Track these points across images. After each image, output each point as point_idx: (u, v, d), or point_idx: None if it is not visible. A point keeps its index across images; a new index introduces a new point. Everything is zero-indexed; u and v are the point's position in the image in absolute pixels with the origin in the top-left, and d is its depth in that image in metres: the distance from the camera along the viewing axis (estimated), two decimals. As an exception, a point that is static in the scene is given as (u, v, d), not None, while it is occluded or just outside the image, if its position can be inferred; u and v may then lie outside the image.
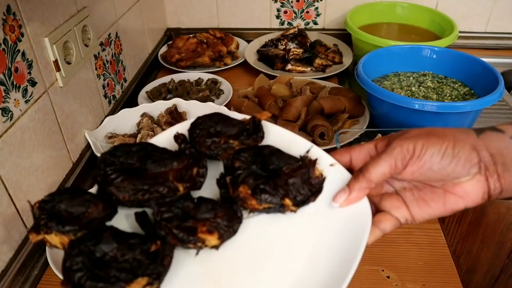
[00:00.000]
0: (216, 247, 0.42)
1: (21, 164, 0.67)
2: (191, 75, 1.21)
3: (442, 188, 0.43)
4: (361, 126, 0.97)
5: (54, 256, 0.69)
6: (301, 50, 1.25)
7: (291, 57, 1.24)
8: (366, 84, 0.91)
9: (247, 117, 0.51)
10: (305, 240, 0.44)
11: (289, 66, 1.22)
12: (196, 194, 0.45)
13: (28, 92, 0.69)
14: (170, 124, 0.96)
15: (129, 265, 0.38)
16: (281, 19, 1.41)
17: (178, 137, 0.49)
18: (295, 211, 0.44)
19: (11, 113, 0.65)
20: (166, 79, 1.18)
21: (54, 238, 0.39)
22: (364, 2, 1.34)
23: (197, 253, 0.42)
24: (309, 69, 1.23)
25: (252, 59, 1.27)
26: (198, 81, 1.17)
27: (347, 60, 1.26)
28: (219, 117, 0.50)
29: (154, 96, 1.10)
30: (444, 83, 1.03)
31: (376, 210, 0.47)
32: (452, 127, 0.43)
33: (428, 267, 0.69)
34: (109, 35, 1.00)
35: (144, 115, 0.99)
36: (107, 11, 0.99)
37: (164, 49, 1.35)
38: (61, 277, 0.64)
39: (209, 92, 1.12)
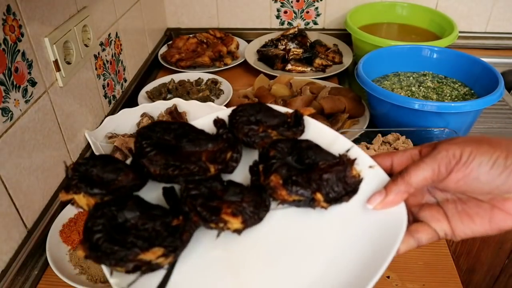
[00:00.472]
0: (238, 231, 0.41)
1: (21, 164, 0.67)
2: (191, 75, 1.21)
3: (490, 203, 0.40)
4: (361, 126, 0.97)
5: (54, 256, 0.69)
6: (301, 50, 1.25)
7: (291, 57, 1.24)
8: (366, 84, 0.91)
9: (290, 110, 0.50)
10: (332, 239, 0.43)
11: (289, 66, 1.22)
12: (226, 178, 0.45)
13: (28, 92, 0.69)
14: (170, 124, 0.96)
15: (148, 234, 0.39)
16: (281, 19, 1.41)
17: (217, 122, 0.49)
18: (325, 208, 0.43)
19: (11, 113, 0.65)
20: (166, 79, 1.18)
21: (81, 199, 0.41)
22: (364, 2, 1.34)
23: (218, 235, 0.41)
24: (309, 69, 1.23)
25: (252, 59, 1.27)
26: (198, 81, 1.18)
27: (347, 60, 1.26)
28: (262, 107, 0.50)
29: (154, 96, 1.10)
30: (444, 83, 1.03)
31: (414, 220, 0.44)
32: (510, 138, 0.39)
33: (428, 267, 0.69)
34: (109, 35, 1.00)
35: (144, 115, 0.99)
36: (107, 11, 0.99)
37: (164, 49, 1.35)
38: (61, 277, 0.64)
39: (209, 92, 1.12)
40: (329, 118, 0.98)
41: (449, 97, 0.97)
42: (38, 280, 0.68)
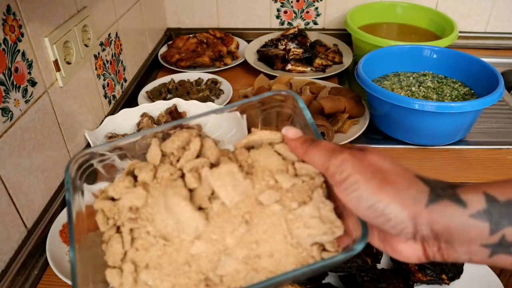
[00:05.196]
0: None
1: (21, 164, 0.67)
2: (191, 75, 1.21)
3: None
4: (361, 126, 0.97)
5: (54, 256, 0.69)
6: (301, 50, 1.24)
7: (291, 57, 1.24)
8: (366, 84, 0.91)
9: None
10: None
11: (289, 66, 1.22)
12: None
13: (28, 92, 0.69)
14: (170, 124, 0.96)
15: None
16: (281, 19, 1.41)
17: None
18: (448, 284, 0.64)
19: (11, 113, 0.65)
20: (166, 79, 1.18)
21: None
22: (364, 2, 1.34)
23: None
24: (309, 69, 1.23)
25: (252, 59, 1.27)
26: (198, 81, 1.18)
27: (347, 60, 1.26)
28: None
29: (154, 96, 1.10)
30: (444, 83, 1.03)
31: None
32: (414, 178, 0.34)
33: (428, 267, 0.70)
34: (109, 35, 1.00)
35: (144, 115, 0.99)
36: (107, 11, 0.99)
37: (164, 49, 1.35)
38: (61, 277, 0.64)
39: (209, 92, 1.12)
40: (329, 118, 0.98)
41: (449, 97, 0.97)
42: (38, 280, 0.68)
